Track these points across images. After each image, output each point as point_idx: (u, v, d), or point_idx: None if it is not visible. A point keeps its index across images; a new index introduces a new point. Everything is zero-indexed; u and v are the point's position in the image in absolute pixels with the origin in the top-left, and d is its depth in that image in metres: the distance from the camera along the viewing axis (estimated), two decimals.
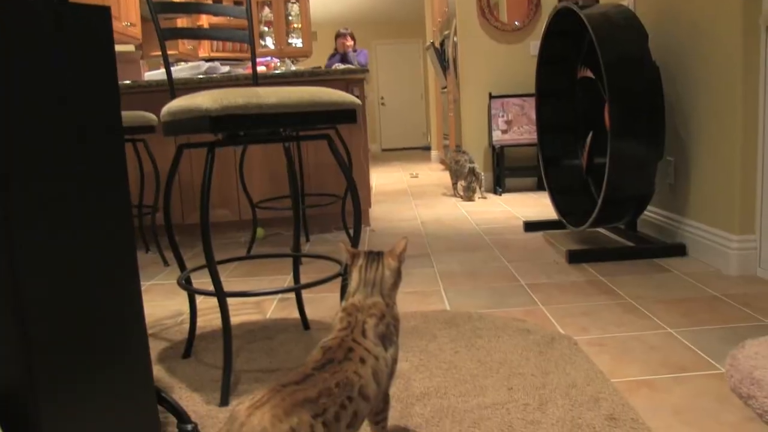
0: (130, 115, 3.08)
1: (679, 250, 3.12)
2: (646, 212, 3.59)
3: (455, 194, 5.67)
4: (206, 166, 1.72)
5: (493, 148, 5.78)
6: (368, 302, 1.32)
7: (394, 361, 1.33)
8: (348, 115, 1.89)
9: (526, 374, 1.83)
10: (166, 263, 3.53)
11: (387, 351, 1.29)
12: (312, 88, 1.80)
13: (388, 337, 1.30)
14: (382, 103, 13.39)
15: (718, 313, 2.29)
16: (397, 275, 1.37)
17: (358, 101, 1.91)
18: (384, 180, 7.54)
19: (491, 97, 5.74)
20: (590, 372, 1.82)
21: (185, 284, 1.93)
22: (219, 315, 2.54)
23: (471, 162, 5.39)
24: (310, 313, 2.51)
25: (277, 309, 2.59)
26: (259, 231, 4.08)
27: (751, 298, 2.43)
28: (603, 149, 3.41)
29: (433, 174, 7.93)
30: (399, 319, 1.37)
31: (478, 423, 1.56)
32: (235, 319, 2.48)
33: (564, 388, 1.73)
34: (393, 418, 1.61)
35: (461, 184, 5.46)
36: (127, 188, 1.42)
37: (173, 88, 2.14)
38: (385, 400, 1.35)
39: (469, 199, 5.44)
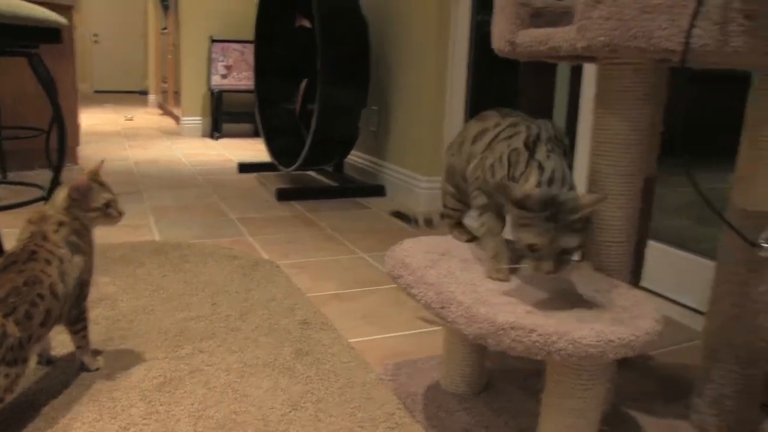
0: None
1: (378, 191, 3.44)
2: (352, 156, 3.88)
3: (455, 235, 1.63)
4: None
5: (212, 92, 5.77)
6: (48, 213, 1.33)
7: (87, 270, 1.36)
8: (51, 34, 1.83)
9: (231, 292, 1.95)
10: None
11: (73, 256, 1.31)
12: (9, 0, 1.72)
13: (74, 244, 1.32)
14: (96, 41, 12.53)
15: None
16: (70, 200, 1.35)
17: (64, 20, 1.86)
18: (96, 121, 7.13)
19: (212, 41, 5.70)
20: (289, 288, 2.00)
21: None
22: None
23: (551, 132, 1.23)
24: (9, 244, 2.39)
25: None
26: None
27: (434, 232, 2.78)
28: (315, 96, 3.61)
29: (149, 118, 7.68)
30: (87, 234, 1.37)
31: (182, 332, 1.65)
32: None
33: (264, 302, 1.88)
34: (98, 333, 1.63)
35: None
36: None
37: None
38: (80, 308, 1.37)
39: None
